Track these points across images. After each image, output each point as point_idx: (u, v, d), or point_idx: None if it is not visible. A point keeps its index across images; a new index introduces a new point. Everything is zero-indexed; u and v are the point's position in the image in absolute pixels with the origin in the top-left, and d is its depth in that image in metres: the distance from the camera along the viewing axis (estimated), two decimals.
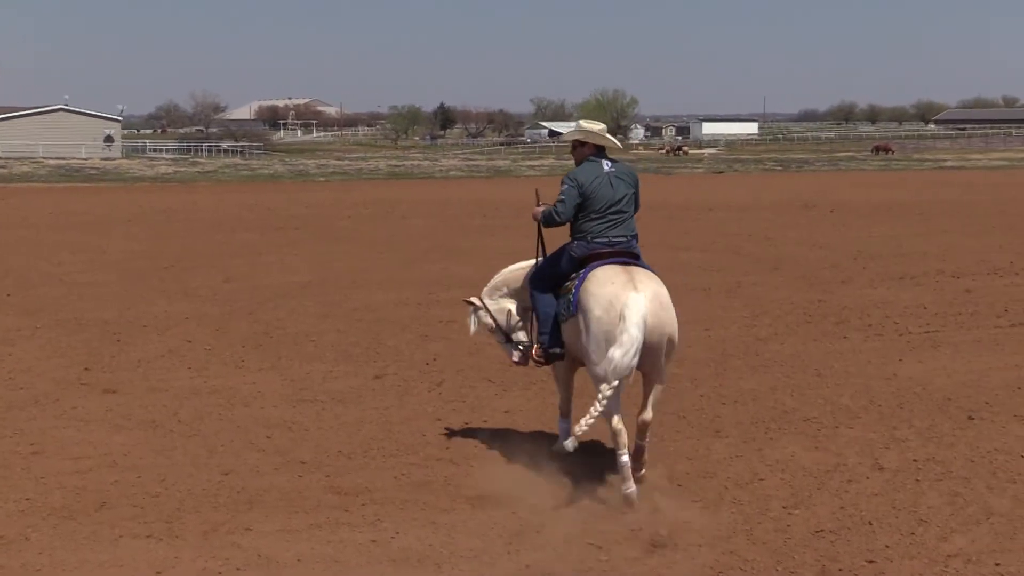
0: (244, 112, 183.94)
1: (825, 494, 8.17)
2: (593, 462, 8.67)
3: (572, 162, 8.89)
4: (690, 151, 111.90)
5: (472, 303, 9.53)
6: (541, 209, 8.71)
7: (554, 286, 8.69)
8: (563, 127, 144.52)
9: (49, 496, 8.19)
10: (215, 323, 15.39)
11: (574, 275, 8.48)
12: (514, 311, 9.32)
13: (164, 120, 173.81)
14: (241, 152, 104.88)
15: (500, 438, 9.62)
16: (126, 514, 7.85)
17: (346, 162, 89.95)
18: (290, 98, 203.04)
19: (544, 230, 8.99)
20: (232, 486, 8.43)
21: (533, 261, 9.16)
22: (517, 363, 9.24)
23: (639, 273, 8.22)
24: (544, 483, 8.33)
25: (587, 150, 8.70)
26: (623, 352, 7.72)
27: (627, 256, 8.43)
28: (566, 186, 8.50)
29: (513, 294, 9.35)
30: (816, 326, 14.75)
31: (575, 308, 8.30)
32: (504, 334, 9.33)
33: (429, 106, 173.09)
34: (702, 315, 15.25)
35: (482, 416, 10.50)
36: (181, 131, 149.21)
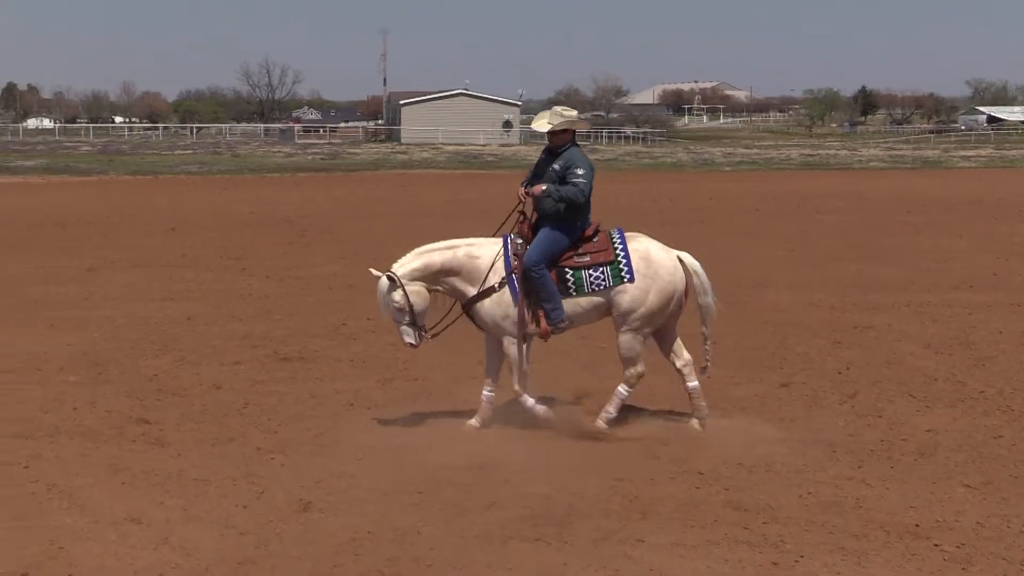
0: (647, 96, 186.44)
1: None
2: None
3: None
4: None
5: (393, 278, 9.97)
6: (543, 188, 10.09)
7: (551, 264, 10.09)
8: (1005, 112, 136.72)
9: (441, 491, 8.66)
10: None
11: (581, 250, 10.20)
12: (425, 294, 10.10)
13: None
14: (642, 139, 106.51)
15: (918, 459, 9.25)
16: (515, 515, 8.16)
17: (755, 150, 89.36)
18: (696, 81, 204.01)
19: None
20: (625, 493, 8.58)
21: (450, 242, 10.27)
22: (413, 346, 10.20)
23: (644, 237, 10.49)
24: (970, 515, 7.94)
25: (567, 136, 10.31)
26: (709, 294, 10.49)
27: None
28: (583, 170, 10.11)
29: (429, 277, 10.12)
30: None
31: (631, 275, 10.10)
32: (412, 317, 10.03)
33: (849, 89, 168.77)
34: None
35: (900, 433, 10.14)
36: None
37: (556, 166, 10.26)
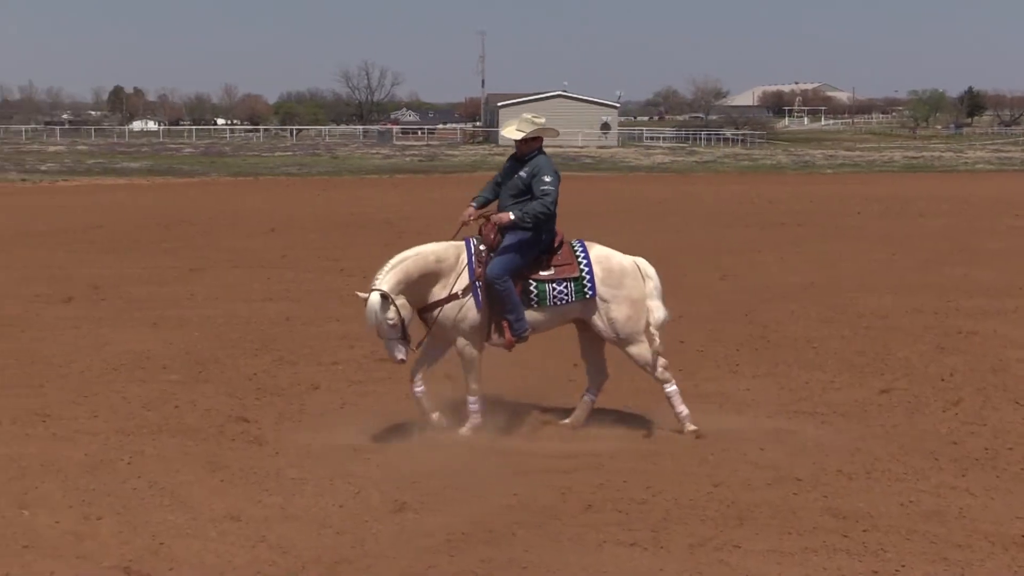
0: (746, 98, 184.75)
1: None
2: None
3: None
4: None
5: (386, 296, 9.69)
6: (511, 216, 9.96)
7: (516, 276, 10.00)
8: None
9: (536, 494, 8.66)
10: (709, 323, 15.62)
11: (546, 263, 10.16)
12: (408, 307, 9.88)
13: (662, 106, 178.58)
14: (742, 141, 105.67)
15: None
16: (611, 519, 8.14)
17: (857, 153, 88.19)
18: (797, 83, 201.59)
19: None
20: (721, 499, 8.52)
21: (416, 250, 10.01)
22: (402, 361, 9.89)
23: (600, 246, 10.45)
24: None
25: (536, 143, 10.25)
26: (661, 306, 10.38)
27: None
28: (550, 178, 10.06)
29: (409, 287, 9.88)
30: None
31: (593, 291, 10.14)
32: (403, 331, 9.79)
33: (955, 90, 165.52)
34: None
35: (1006, 442, 9.94)
36: (679, 118, 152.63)
37: (523, 173, 10.20)
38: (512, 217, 10.02)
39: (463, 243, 10.24)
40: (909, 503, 8.41)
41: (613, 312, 10.26)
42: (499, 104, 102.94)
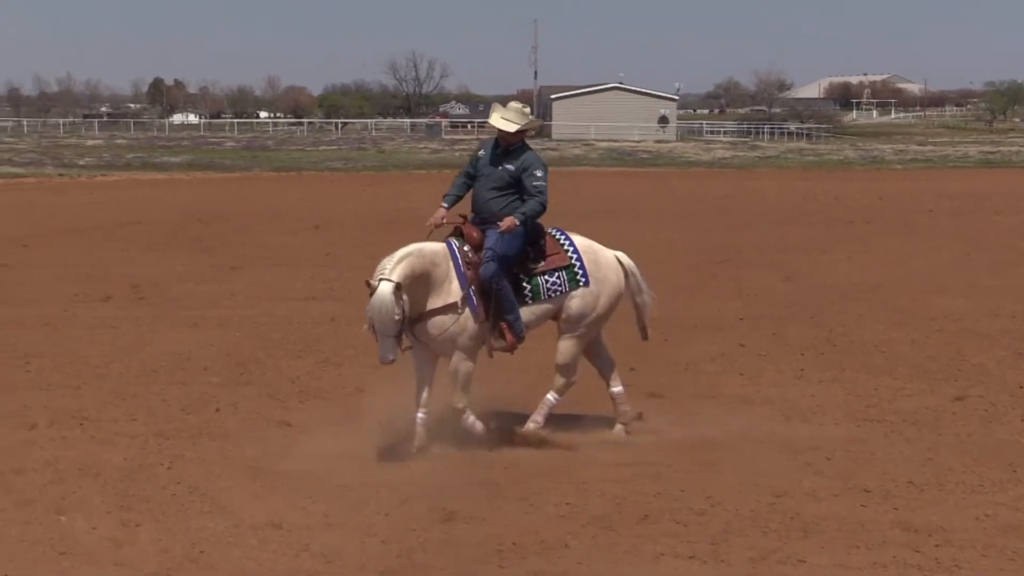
0: (812, 90, 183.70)
1: None
2: None
3: None
4: None
5: (399, 286, 9.41)
6: (515, 221, 9.83)
7: (508, 273, 9.92)
8: None
9: (589, 503, 8.66)
10: (772, 326, 15.55)
11: (534, 256, 10.10)
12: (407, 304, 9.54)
13: (723, 99, 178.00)
14: (807, 135, 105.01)
15: None
16: (668, 530, 8.12)
17: (928, 147, 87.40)
18: (865, 74, 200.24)
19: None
20: (785, 510, 8.47)
21: (411, 248, 9.72)
22: (391, 362, 9.55)
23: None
24: None
25: (522, 135, 10.28)
26: (645, 292, 10.68)
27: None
28: (541, 172, 10.13)
29: (409, 286, 9.56)
30: None
31: (586, 279, 10.17)
32: (402, 328, 9.51)
33: None
34: None
35: None
36: (741, 111, 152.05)
37: (510, 167, 10.14)
38: (518, 222, 9.90)
39: (445, 246, 10.05)
40: (985, 517, 8.33)
41: (592, 302, 10.26)
42: (552, 97, 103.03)
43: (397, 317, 9.39)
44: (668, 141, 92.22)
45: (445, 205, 10.37)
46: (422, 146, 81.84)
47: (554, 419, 10.47)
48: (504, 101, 10.44)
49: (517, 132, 10.23)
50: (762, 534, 8.04)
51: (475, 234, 10.08)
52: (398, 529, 8.14)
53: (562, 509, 8.54)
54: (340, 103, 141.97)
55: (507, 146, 10.25)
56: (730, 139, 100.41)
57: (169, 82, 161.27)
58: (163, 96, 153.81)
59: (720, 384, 12.32)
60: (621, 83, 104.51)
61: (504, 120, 10.16)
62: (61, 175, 54.15)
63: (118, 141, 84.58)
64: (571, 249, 10.29)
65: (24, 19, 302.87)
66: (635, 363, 13.21)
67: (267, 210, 34.69)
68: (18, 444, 10.08)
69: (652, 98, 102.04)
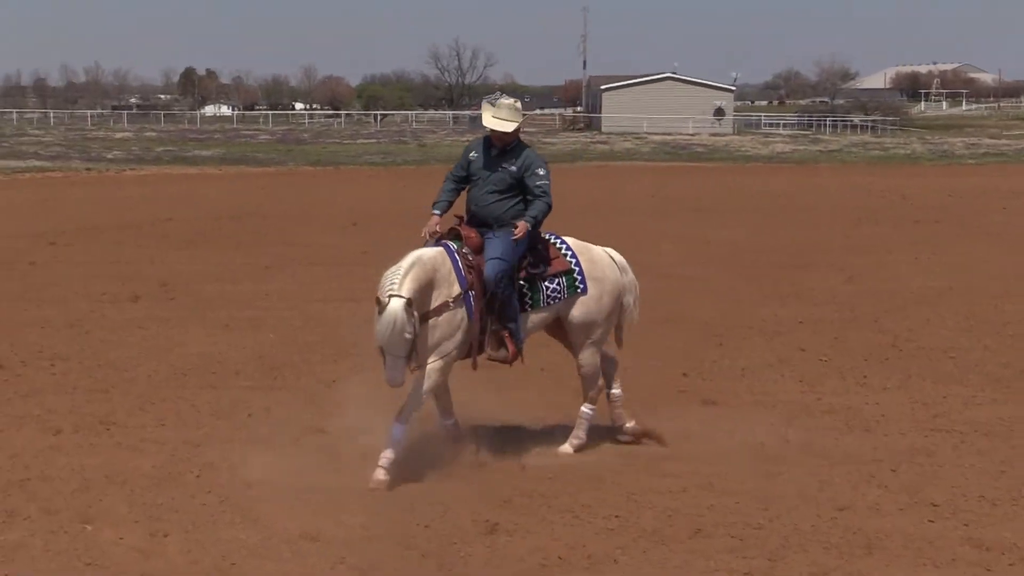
0: (877, 80, 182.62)
1: None
2: None
3: None
4: None
5: (411, 302, 9.22)
6: (527, 226, 9.70)
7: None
8: None
9: (640, 515, 8.63)
10: (833, 330, 15.47)
11: (534, 260, 9.96)
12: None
13: (783, 90, 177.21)
14: (872, 128, 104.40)
15: None
16: (723, 545, 8.09)
17: (1003, 141, 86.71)
18: (935, 63, 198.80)
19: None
20: (847, 525, 8.42)
21: (416, 255, 9.51)
22: (399, 384, 9.41)
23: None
24: None
25: (517, 132, 10.06)
26: (633, 294, 10.57)
27: None
28: (544, 171, 10.00)
29: (422, 298, 9.44)
30: None
31: (584, 286, 10.10)
32: (412, 347, 9.36)
33: None
34: None
35: None
36: (802, 102, 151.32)
37: (512, 167, 9.98)
38: (529, 227, 9.79)
39: (443, 249, 9.86)
40: None
41: (596, 307, 10.21)
42: (602, 87, 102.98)
43: (408, 336, 9.24)
44: (724, 134, 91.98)
45: (437, 213, 10.24)
46: (465, 140, 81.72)
47: (600, 430, 10.46)
48: (497, 100, 10.10)
49: (514, 131, 10.06)
50: (823, 550, 8.00)
51: (474, 235, 9.91)
52: (439, 542, 8.15)
53: (611, 522, 8.53)
54: (379, 94, 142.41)
55: (503, 146, 10.09)
56: (790, 132, 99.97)
57: (201, 72, 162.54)
58: (194, 87, 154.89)
59: (778, 391, 12.28)
60: (675, 73, 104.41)
61: (499, 120, 9.97)
62: (88, 169, 54.63)
63: (148, 134, 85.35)
64: (569, 254, 10.21)
65: (51, 6, 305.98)
66: (688, 368, 13.22)
67: (302, 207, 34.87)
68: (43, 450, 10.16)
69: (707, 89, 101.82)
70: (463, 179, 10.28)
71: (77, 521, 8.48)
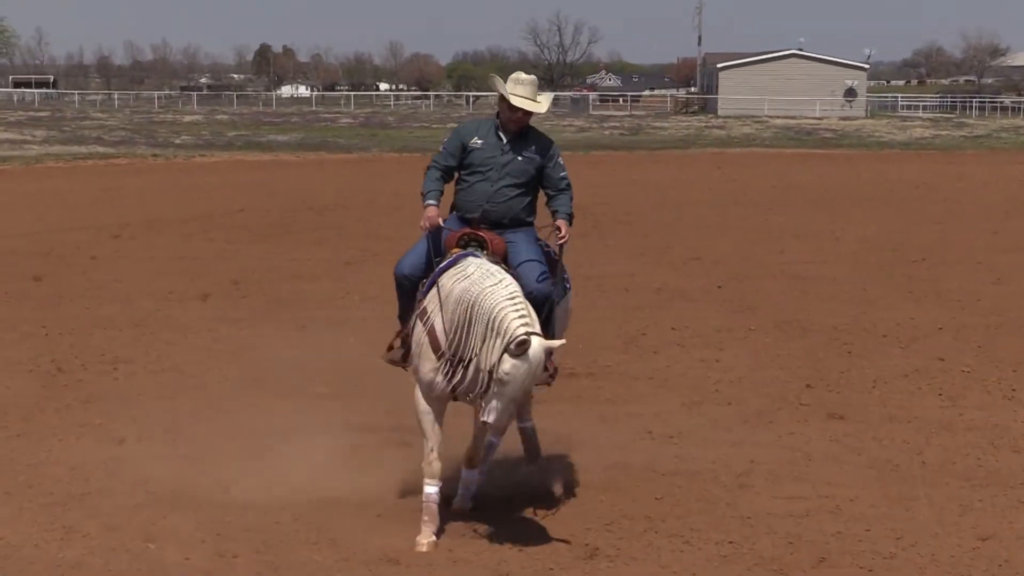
0: None
1: None
2: None
3: None
4: None
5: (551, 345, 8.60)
6: (569, 227, 9.45)
7: None
8: None
9: (757, 542, 8.60)
10: (978, 338, 15.30)
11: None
12: None
13: (923, 68, 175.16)
14: None
15: None
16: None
17: None
18: None
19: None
20: (991, 556, 8.35)
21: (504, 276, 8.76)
22: (503, 431, 9.37)
23: None
24: None
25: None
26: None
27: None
28: (563, 162, 9.54)
29: None
30: None
31: (570, 285, 10.04)
32: None
33: None
34: None
35: None
36: (945, 82, 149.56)
37: (533, 156, 9.30)
38: (569, 227, 9.43)
39: (499, 265, 9.07)
40: None
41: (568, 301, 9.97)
42: (719, 66, 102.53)
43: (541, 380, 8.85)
44: (856, 118, 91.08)
45: (434, 203, 9.56)
46: (566, 123, 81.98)
47: (715, 447, 10.41)
48: (514, 74, 9.33)
49: (529, 112, 9.30)
50: None
51: (499, 240, 9.31)
52: (533, 567, 8.18)
53: (724, 548, 8.51)
54: (472, 73, 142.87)
55: (518, 130, 9.31)
56: (930, 115, 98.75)
57: (277, 49, 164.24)
58: (270, 66, 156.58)
59: (914, 405, 12.16)
60: (800, 50, 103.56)
61: (528, 100, 9.15)
62: (155, 156, 55.36)
63: (219, 117, 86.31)
64: (552, 251, 9.63)
65: None
66: (813, 379, 13.13)
67: (387, 197, 35.02)
68: (104, 461, 10.33)
69: (837, 67, 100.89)
70: (452, 169, 9.56)
71: (140, 539, 8.61)
